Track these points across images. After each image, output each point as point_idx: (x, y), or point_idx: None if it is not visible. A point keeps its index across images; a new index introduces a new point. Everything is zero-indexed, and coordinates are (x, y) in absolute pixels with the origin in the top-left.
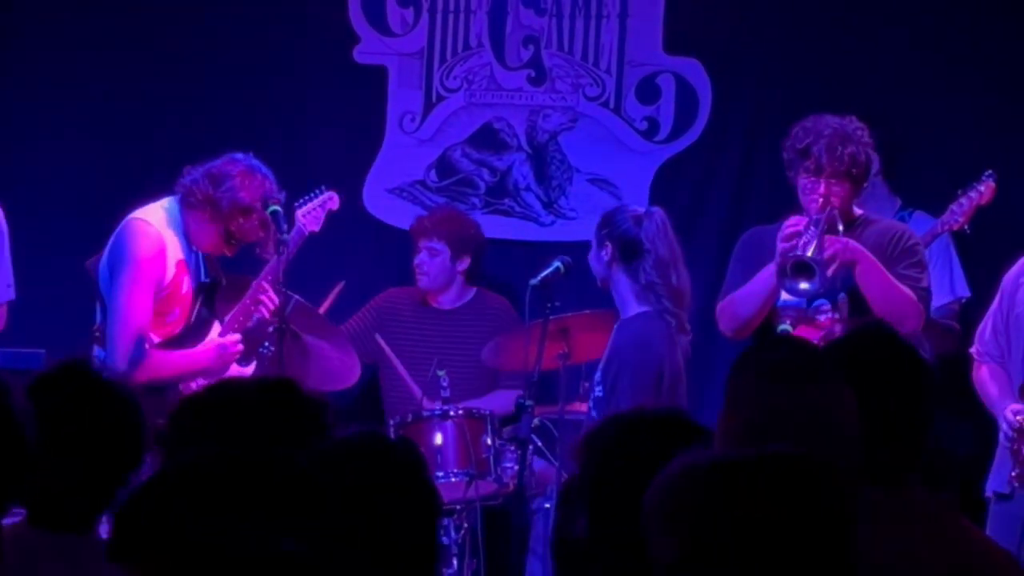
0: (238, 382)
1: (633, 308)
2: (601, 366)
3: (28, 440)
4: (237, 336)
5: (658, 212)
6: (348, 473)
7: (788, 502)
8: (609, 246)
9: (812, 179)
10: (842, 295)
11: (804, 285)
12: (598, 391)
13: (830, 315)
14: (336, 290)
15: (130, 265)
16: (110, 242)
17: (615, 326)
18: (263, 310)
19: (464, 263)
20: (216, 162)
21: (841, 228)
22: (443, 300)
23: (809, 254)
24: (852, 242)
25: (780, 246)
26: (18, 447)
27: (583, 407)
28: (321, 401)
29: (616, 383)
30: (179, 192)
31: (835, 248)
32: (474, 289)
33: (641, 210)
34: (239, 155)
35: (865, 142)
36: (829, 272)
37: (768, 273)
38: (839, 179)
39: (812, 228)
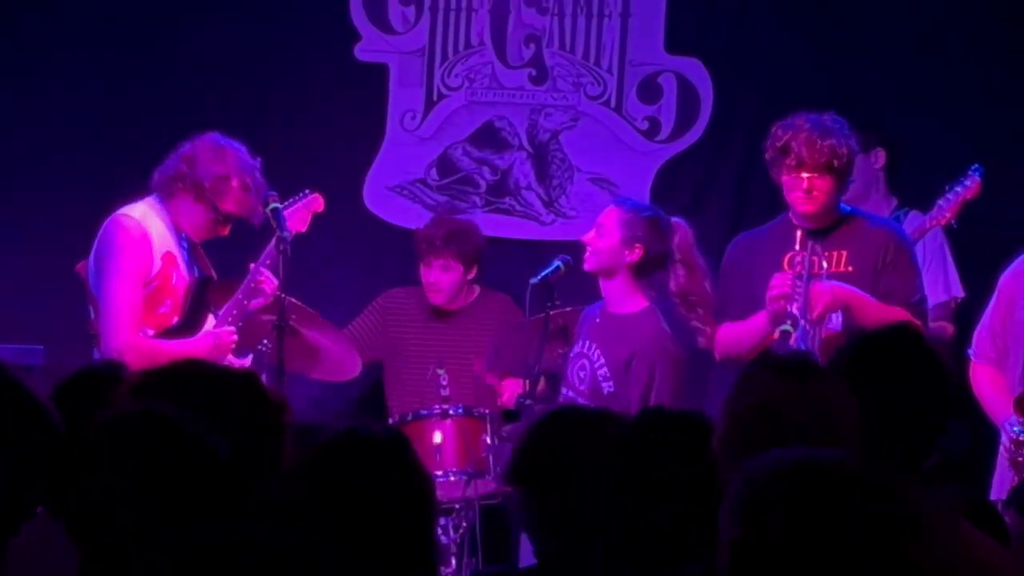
0: (205, 364)
1: (631, 303)
2: (608, 362)
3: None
4: (232, 328)
5: (684, 225)
6: (337, 470)
7: (847, 510)
8: (639, 251)
9: (794, 174)
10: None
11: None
12: (607, 387)
13: (828, 326)
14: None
15: (113, 257)
16: (96, 241)
17: (602, 316)
18: (264, 289)
19: (473, 272)
20: (183, 146)
21: (825, 266)
22: (448, 303)
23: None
24: (839, 287)
25: (769, 308)
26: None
27: None
28: (280, 401)
29: (652, 377)
30: (156, 186)
31: (824, 302)
32: (477, 289)
33: (673, 220)
34: (206, 135)
35: (845, 135)
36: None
37: (760, 320)
38: (820, 172)
39: (798, 283)
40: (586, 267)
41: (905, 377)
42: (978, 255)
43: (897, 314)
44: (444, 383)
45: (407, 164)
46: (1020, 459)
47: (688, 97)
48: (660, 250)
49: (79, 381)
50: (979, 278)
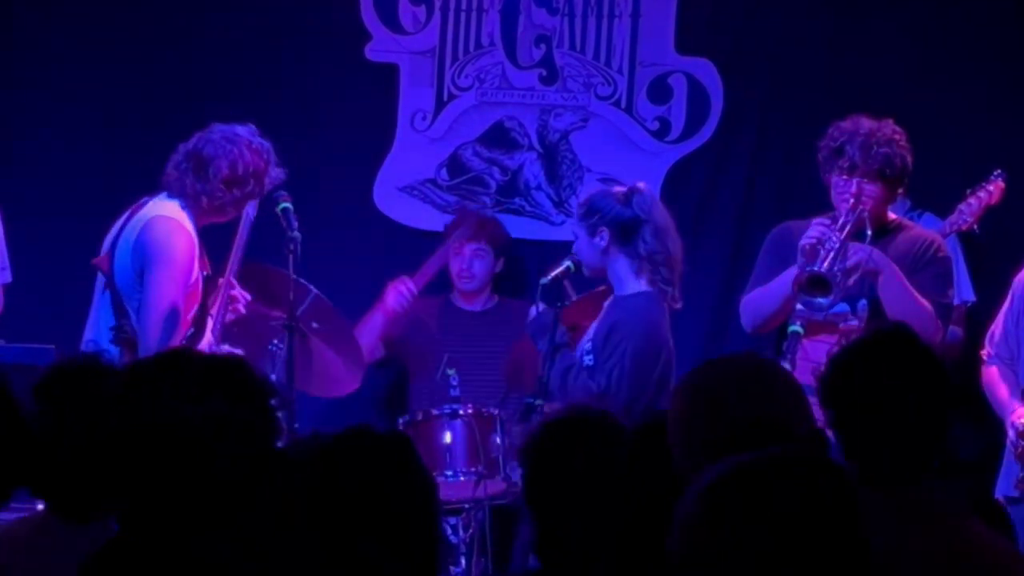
0: (192, 352)
1: (633, 286)
2: (593, 336)
3: (30, 428)
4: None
5: (645, 186)
6: (338, 471)
7: (805, 503)
8: (605, 231)
9: (845, 178)
10: (863, 302)
11: (819, 300)
12: (588, 360)
13: (850, 322)
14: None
15: (170, 265)
16: (134, 240)
17: (611, 300)
18: (238, 307)
19: (499, 265)
20: (197, 150)
21: (870, 234)
22: (472, 303)
23: (825, 267)
24: (877, 252)
25: (802, 243)
26: (19, 435)
27: None
28: (269, 387)
29: (618, 364)
30: (170, 184)
31: (859, 257)
32: (496, 297)
33: (623, 188)
34: (214, 131)
35: (902, 146)
36: (850, 281)
37: (784, 280)
38: (871, 179)
39: (837, 232)
40: (587, 275)
41: (901, 378)
42: (992, 259)
43: (921, 303)
44: (454, 383)
45: (417, 164)
46: None
47: (698, 97)
48: (625, 216)
49: (59, 374)
50: (993, 283)
